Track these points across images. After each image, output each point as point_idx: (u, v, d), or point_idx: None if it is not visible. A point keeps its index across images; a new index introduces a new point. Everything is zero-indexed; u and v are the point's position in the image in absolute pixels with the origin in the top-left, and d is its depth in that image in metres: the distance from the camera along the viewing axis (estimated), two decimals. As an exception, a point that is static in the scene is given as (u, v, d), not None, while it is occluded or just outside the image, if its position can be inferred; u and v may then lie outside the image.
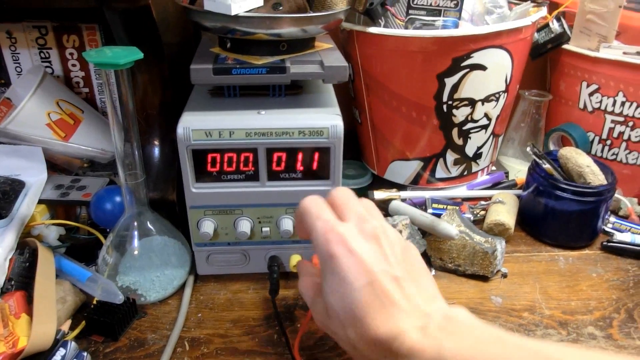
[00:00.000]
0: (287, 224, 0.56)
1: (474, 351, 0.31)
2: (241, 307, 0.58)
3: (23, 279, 0.54)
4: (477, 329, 0.34)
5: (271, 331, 0.54)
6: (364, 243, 0.37)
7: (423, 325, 0.34)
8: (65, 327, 0.52)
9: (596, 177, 0.67)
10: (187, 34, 0.70)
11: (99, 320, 0.52)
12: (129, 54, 0.47)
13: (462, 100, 0.67)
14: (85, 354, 0.48)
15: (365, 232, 0.38)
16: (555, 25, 0.78)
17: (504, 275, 0.63)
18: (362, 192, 0.79)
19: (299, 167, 0.54)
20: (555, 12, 0.80)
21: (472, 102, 0.68)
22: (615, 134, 0.77)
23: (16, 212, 0.58)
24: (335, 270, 0.36)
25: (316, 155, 0.54)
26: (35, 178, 0.63)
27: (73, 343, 0.49)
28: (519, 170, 0.84)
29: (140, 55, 0.48)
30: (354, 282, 0.35)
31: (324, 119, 0.53)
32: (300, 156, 0.54)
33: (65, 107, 0.66)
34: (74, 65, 0.70)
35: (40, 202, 0.63)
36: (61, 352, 0.47)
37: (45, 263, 0.54)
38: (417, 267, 0.39)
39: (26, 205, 0.60)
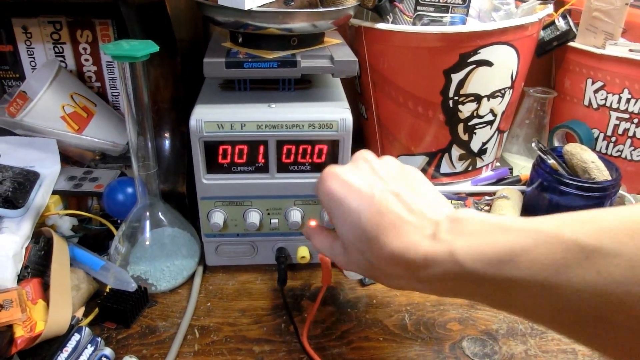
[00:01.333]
0: (296, 215, 0.58)
1: (484, 244, 0.31)
2: (249, 297, 0.59)
3: (39, 266, 0.55)
4: (484, 223, 0.33)
5: (279, 320, 0.55)
6: (355, 171, 0.40)
7: (433, 233, 0.34)
8: (79, 313, 0.54)
9: (601, 172, 0.68)
10: (197, 29, 0.72)
11: (112, 308, 0.53)
12: (146, 47, 0.48)
13: (468, 96, 0.68)
14: (99, 339, 0.50)
15: (358, 164, 0.41)
16: (561, 23, 0.79)
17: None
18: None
19: (308, 159, 0.55)
20: (561, 10, 0.81)
21: (478, 98, 0.69)
22: (620, 131, 0.78)
23: (32, 202, 0.59)
24: (337, 203, 0.38)
25: (325, 148, 0.55)
26: (49, 169, 0.65)
27: (87, 329, 0.50)
28: (523, 166, 0.85)
29: (156, 48, 0.49)
30: (358, 208, 0.37)
31: (333, 112, 0.54)
32: (309, 149, 0.55)
33: (79, 101, 0.67)
34: (86, 59, 0.72)
35: (54, 193, 0.64)
36: (76, 337, 0.49)
37: (60, 251, 0.55)
38: (418, 180, 0.40)
39: (41, 196, 0.61)
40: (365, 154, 0.43)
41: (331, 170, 0.41)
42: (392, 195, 0.37)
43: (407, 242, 0.34)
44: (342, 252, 0.40)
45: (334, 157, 0.56)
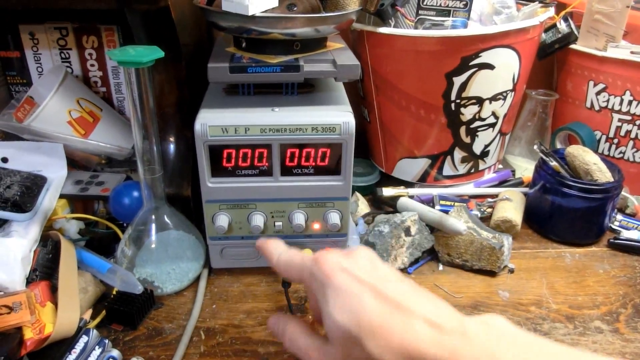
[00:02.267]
0: (299, 218, 0.58)
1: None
2: (254, 299, 0.60)
3: (47, 269, 0.56)
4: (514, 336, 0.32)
5: (284, 322, 0.56)
6: (354, 261, 0.37)
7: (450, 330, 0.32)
8: (87, 316, 0.54)
9: (603, 174, 0.68)
10: (201, 34, 0.72)
11: (119, 310, 0.54)
12: (151, 53, 0.49)
13: (470, 98, 0.69)
14: (106, 341, 0.50)
15: (354, 256, 0.38)
16: (562, 26, 0.80)
17: (511, 271, 0.65)
18: (370, 190, 0.80)
19: (312, 162, 0.56)
20: (562, 13, 0.81)
21: (479, 101, 0.69)
22: (622, 133, 0.78)
23: (39, 206, 0.60)
24: (336, 288, 0.35)
25: (328, 151, 0.56)
26: (56, 174, 0.65)
27: (95, 331, 0.51)
28: (525, 168, 0.85)
29: (161, 54, 0.50)
30: (360, 293, 0.34)
31: (336, 116, 0.55)
32: (312, 152, 0.55)
33: (85, 106, 0.68)
34: (92, 65, 0.73)
35: (61, 196, 0.65)
36: (84, 339, 0.49)
37: (68, 255, 0.56)
38: (421, 288, 0.36)
39: (48, 200, 0.62)
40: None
41: (326, 256, 0.37)
42: (397, 290, 0.35)
43: (424, 335, 0.32)
44: (330, 354, 0.36)
45: (337, 160, 0.56)
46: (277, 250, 0.43)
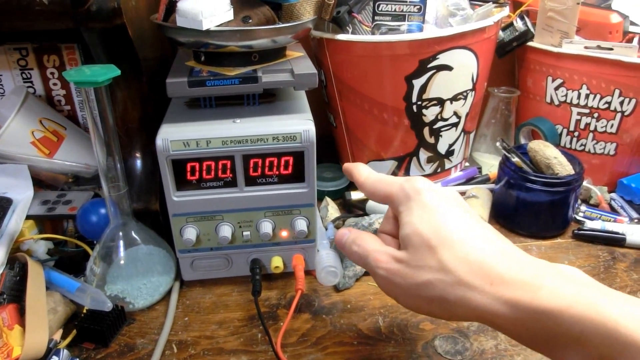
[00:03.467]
0: (267, 227, 0.59)
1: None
2: (226, 309, 0.60)
3: (15, 292, 0.56)
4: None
5: (255, 330, 0.57)
6: (443, 189, 0.40)
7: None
8: (57, 336, 0.54)
9: (563, 167, 0.70)
10: (164, 48, 0.73)
11: (90, 328, 0.54)
12: (107, 72, 0.49)
13: (430, 100, 0.70)
14: (77, 360, 0.50)
15: (444, 188, 0.41)
16: (519, 24, 0.82)
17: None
18: (339, 194, 0.81)
19: (275, 171, 0.57)
20: (518, 11, 0.83)
21: (440, 102, 0.71)
22: (582, 126, 0.80)
23: (5, 229, 0.60)
24: (423, 204, 0.38)
25: (291, 160, 0.56)
26: (22, 195, 0.65)
27: (65, 351, 0.51)
28: (491, 165, 0.87)
29: (117, 72, 0.50)
30: (444, 211, 0.37)
31: (297, 125, 0.55)
32: (275, 161, 0.56)
33: (49, 125, 0.68)
34: (55, 84, 0.72)
35: (28, 217, 0.65)
36: (55, 359, 0.49)
37: (35, 276, 0.56)
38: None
39: (14, 222, 0.61)
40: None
41: (415, 177, 0.42)
42: (476, 216, 0.38)
43: (502, 252, 0.35)
44: (400, 260, 0.38)
45: (300, 168, 0.57)
46: (365, 171, 0.47)
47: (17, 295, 0.56)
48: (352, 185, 0.83)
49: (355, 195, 0.76)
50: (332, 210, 0.75)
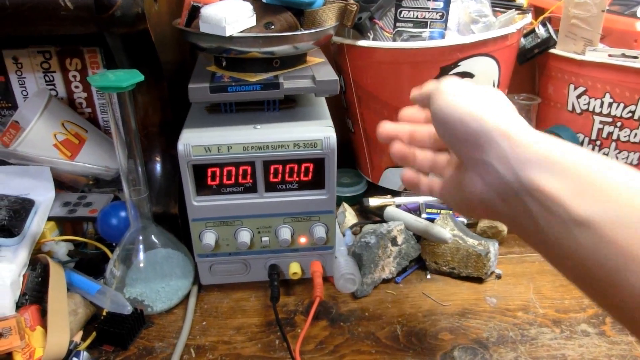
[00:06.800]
0: (285, 233, 0.59)
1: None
2: (244, 315, 0.60)
3: (36, 293, 0.56)
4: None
5: (273, 336, 0.56)
6: None
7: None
8: (77, 338, 0.55)
9: (585, 177, 0.69)
10: (184, 52, 0.73)
11: (109, 331, 0.54)
12: (131, 77, 0.50)
13: (451, 107, 0.69)
14: (96, 363, 0.51)
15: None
16: (541, 31, 0.81)
17: (498, 277, 0.66)
18: (357, 199, 0.81)
19: (295, 177, 0.57)
20: (540, 18, 0.82)
21: (461, 109, 0.70)
22: (604, 135, 0.79)
23: (27, 230, 0.61)
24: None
25: (311, 166, 0.56)
26: (43, 197, 0.66)
27: (86, 353, 0.52)
28: (511, 172, 0.86)
29: (141, 77, 0.50)
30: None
31: (318, 131, 0.55)
32: (295, 167, 0.56)
33: (70, 128, 0.69)
34: (76, 87, 0.73)
35: (50, 219, 0.65)
36: (74, 361, 0.50)
37: (57, 277, 0.56)
38: None
39: (36, 223, 0.62)
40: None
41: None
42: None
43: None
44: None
45: (320, 175, 0.57)
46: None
47: (39, 296, 0.56)
48: (370, 191, 0.82)
49: (373, 202, 0.75)
50: (350, 216, 0.75)
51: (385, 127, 0.50)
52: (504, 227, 0.70)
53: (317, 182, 0.57)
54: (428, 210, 0.74)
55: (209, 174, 0.56)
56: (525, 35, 0.82)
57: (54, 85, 0.72)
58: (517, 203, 0.34)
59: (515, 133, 0.34)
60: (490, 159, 0.35)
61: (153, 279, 0.60)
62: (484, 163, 0.36)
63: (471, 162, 0.38)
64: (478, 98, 0.37)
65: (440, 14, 0.67)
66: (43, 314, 0.54)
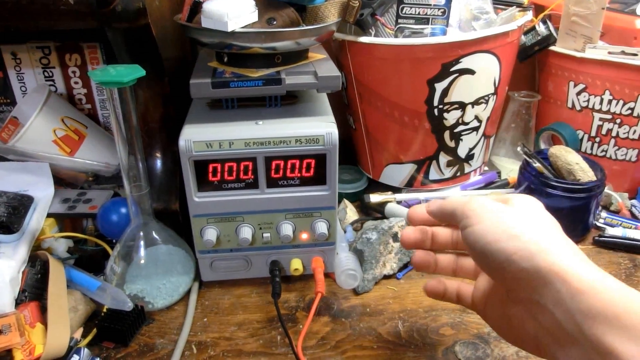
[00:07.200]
0: (287, 229, 0.59)
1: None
2: (245, 311, 0.60)
3: (36, 290, 0.56)
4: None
5: (274, 332, 0.56)
6: None
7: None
8: (78, 334, 0.55)
9: (585, 173, 0.69)
10: (185, 47, 0.73)
11: (110, 327, 0.54)
12: (132, 72, 0.49)
13: (452, 104, 0.70)
14: (98, 359, 0.50)
15: None
16: (541, 28, 0.81)
17: (499, 272, 0.65)
18: (358, 196, 0.81)
19: (297, 173, 0.57)
20: (541, 15, 0.82)
21: (462, 106, 0.70)
22: (603, 131, 0.79)
23: (27, 227, 0.60)
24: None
25: (313, 162, 0.56)
26: (43, 193, 0.66)
27: (86, 349, 0.51)
28: (511, 169, 0.86)
29: (142, 72, 0.50)
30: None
31: (320, 127, 0.55)
32: (297, 163, 0.56)
33: (70, 124, 0.69)
34: (76, 82, 0.73)
35: (49, 215, 0.65)
36: (75, 358, 0.50)
37: (57, 274, 0.56)
38: None
39: (36, 220, 0.62)
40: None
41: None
42: None
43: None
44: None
45: (321, 171, 0.57)
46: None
47: (38, 293, 0.56)
48: (371, 187, 0.82)
49: (374, 198, 0.75)
50: (351, 212, 0.75)
51: (410, 236, 0.47)
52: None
53: (318, 178, 0.57)
54: (429, 206, 0.74)
55: (210, 169, 0.56)
56: (525, 33, 0.82)
57: (53, 81, 0.72)
58: (579, 354, 0.31)
59: (572, 275, 0.31)
60: (545, 302, 0.33)
61: (154, 276, 0.59)
62: (537, 304, 0.33)
63: (521, 299, 0.35)
64: (519, 224, 0.35)
65: (442, 10, 0.67)
66: (43, 310, 0.54)
